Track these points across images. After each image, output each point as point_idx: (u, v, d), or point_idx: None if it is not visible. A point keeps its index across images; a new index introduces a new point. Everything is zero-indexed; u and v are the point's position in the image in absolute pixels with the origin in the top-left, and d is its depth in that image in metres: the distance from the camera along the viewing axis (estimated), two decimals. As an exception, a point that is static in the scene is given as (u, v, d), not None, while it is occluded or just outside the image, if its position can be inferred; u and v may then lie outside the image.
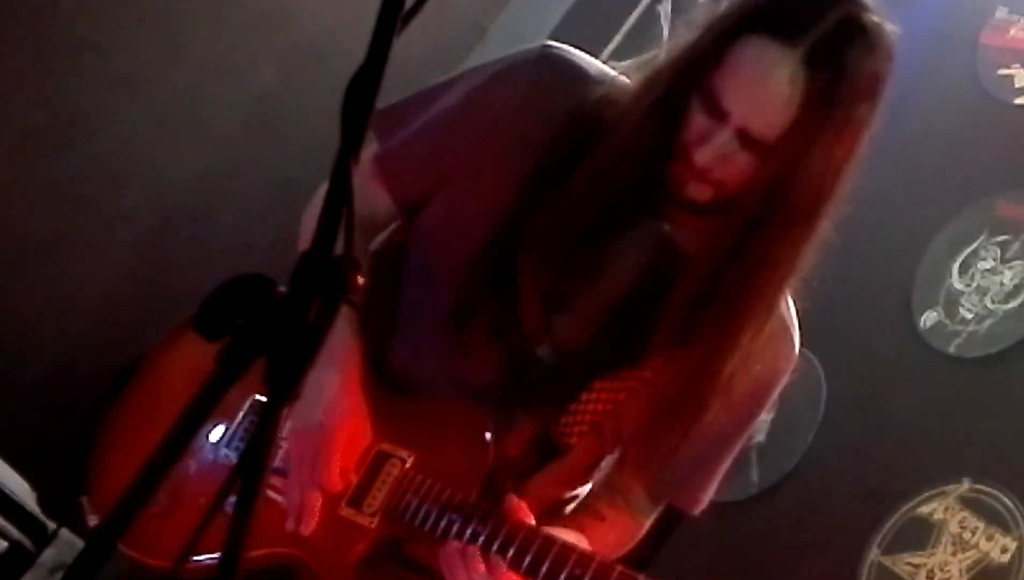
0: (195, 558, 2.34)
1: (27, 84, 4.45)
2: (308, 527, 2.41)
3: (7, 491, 4.12)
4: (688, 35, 2.38)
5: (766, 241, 2.36)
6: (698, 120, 2.29)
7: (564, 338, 2.48)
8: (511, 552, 2.35)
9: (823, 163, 2.32)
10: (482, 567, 2.34)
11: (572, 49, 2.59)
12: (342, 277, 1.39)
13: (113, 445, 2.68)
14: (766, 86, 2.25)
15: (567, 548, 2.34)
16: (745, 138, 2.26)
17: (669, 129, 2.32)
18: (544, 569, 2.33)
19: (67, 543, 4.10)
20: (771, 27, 2.24)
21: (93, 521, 2.75)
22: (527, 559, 2.35)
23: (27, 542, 4.09)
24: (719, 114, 2.27)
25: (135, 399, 2.71)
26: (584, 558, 2.32)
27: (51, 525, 4.13)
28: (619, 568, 2.31)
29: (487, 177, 2.51)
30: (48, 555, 4.11)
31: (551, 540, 2.35)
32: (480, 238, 2.46)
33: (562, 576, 2.31)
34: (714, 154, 2.29)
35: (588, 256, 2.44)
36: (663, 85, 2.35)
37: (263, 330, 1.40)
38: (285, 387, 1.39)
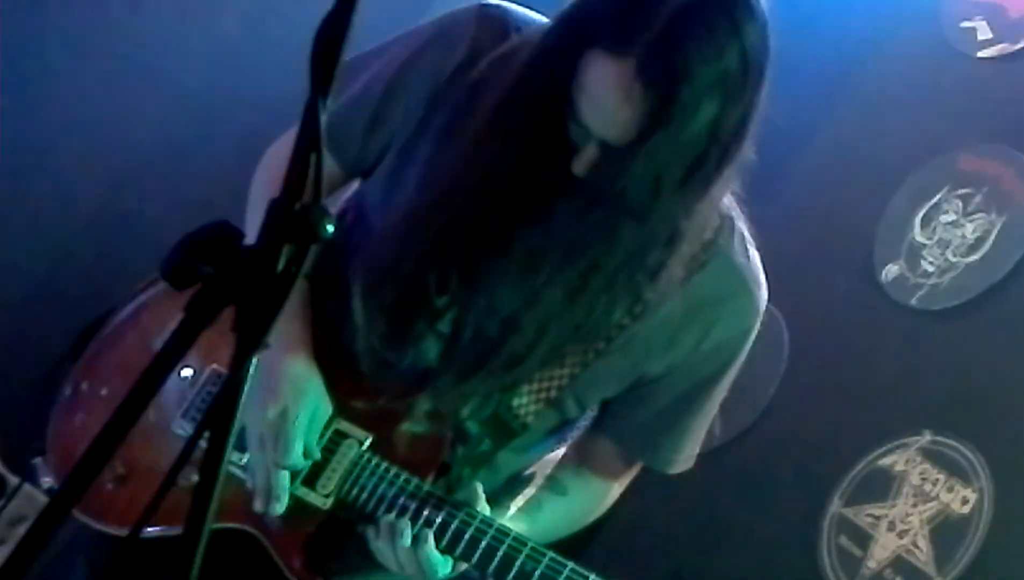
0: (149, 530, 2.38)
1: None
2: (280, 509, 2.42)
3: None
4: (542, 40, 2.36)
5: (635, 212, 2.33)
6: (572, 123, 2.29)
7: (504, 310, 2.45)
8: (449, 534, 2.39)
9: (677, 162, 2.27)
10: (407, 542, 2.37)
11: (513, 5, 2.57)
12: (312, 224, 1.39)
13: (70, 407, 2.67)
14: (609, 105, 2.24)
15: (518, 542, 2.38)
16: (607, 146, 2.26)
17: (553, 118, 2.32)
18: (491, 563, 2.38)
19: (28, 497, 4.10)
20: (604, 40, 2.21)
21: (47, 482, 2.75)
22: (474, 551, 2.39)
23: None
24: (582, 126, 2.27)
25: (95, 361, 2.69)
26: (536, 552, 2.37)
27: (13, 480, 4.13)
28: (570, 566, 2.35)
29: (424, 152, 2.50)
30: (10, 508, 4.11)
31: (502, 534, 2.39)
32: (419, 208, 2.46)
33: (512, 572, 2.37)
34: (585, 166, 2.30)
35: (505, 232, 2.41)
36: (526, 94, 2.35)
37: (232, 278, 1.39)
38: (254, 336, 1.38)
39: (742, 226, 2.50)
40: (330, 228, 1.40)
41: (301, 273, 1.40)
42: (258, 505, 2.42)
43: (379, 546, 2.40)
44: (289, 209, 1.40)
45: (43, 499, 4.06)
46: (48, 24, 4.52)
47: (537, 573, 2.37)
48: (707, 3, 2.21)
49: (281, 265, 1.39)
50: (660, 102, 2.19)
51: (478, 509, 2.40)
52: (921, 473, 4.25)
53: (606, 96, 2.23)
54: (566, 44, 2.28)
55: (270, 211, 1.41)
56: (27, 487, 4.09)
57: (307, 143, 1.44)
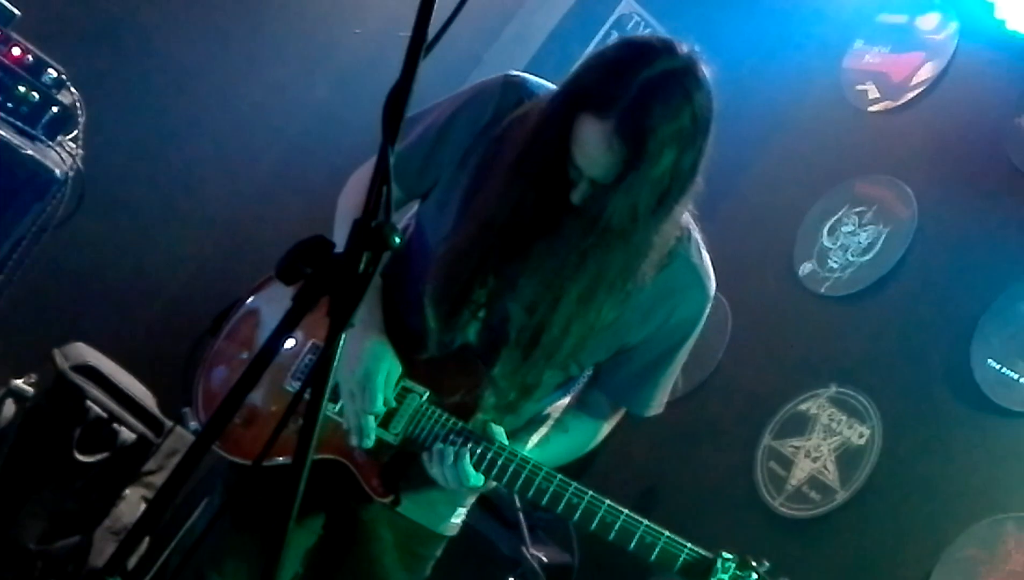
0: (267, 461, 2.38)
1: (144, 102, 4.42)
2: (368, 444, 2.42)
3: (136, 398, 4.13)
4: (552, 100, 2.36)
5: (618, 231, 2.33)
6: (571, 165, 2.29)
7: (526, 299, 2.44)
8: (486, 461, 2.39)
9: (650, 194, 2.27)
10: (451, 462, 2.38)
11: (529, 76, 2.54)
12: (384, 237, 1.40)
13: (210, 371, 2.66)
14: (596, 154, 2.24)
15: (542, 473, 2.39)
16: (595, 183, 2.26)
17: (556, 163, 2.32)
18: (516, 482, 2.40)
19: (179, 436, 4.10)
20: (590, 107, 2.22)
21: (193, 426, 2.75)
22: (504, 474, 2.40)
23: (150, 434, 4.10)
24: (577, 168, 2.28)
25: (227, 337, 2.69)
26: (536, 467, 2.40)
27: (168, 423, 4.13)
28: (574, 485, 2.37)
29: (459, 182, 2.48)
30: (166, 444, 4.11)
31: (524, 460, 2.40)
32: (458, 229, 2.44)
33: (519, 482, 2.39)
34: (580, 197, 2.30)
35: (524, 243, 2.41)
36: (543, 136, 2.34)
37: (326, 277, 1.41)
38: (343, 319, 1.40)
39: (697, 235, 2.48)
40: (397, 240, 1.41)
41: (376, 273, 1.41)
42: (353, 441, 2.42)
43: (432, 468, 2.40)
44: (367, 226, 1.41)
45: (190, 438, 4.06)
46: (189, 92, 4.51)
47: (550, 491, 2.37)
48: (666, 78, 2.21)
49: (362, 267, 1.40)
50: (633, 152, 2.20)
51: (503, 442, 2.41)
52: (829, 415, 4.25)
53: (593, 147, 2.24)
54: (564, 109, 2.27)
55: (354, 228, 1.42)
56: (178, 429, 4.09)
57: (380, 177, 1.45)
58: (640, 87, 2.20)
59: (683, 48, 2.26)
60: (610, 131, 2.20)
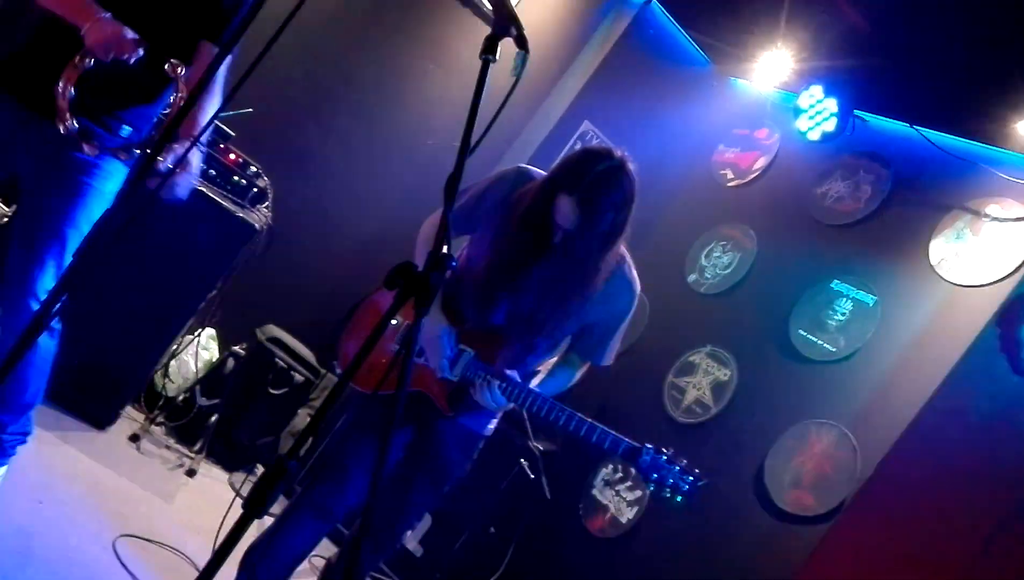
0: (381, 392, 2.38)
1: (306, 184, 4.42)
2: (444, 375, 2.42)
3: (303, 356, 4.13)
4: (539, 185, 2.36)
5: (582, 261, 2.34)
6: (553, 222, 2.30)
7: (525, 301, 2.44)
8: (507, 391, 2.38)
9: (600, 239, 2.30)
10: (487, 389, 2.38)
11: (532, 168, 2.53)
12: (445, 262, 1.40)
13: (347, 337, 2.65)
14: (566, 214, 2.26)
15: (540, 398, 2.38)
16: (567, 232, 2.28)
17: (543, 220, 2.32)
18: (527, 402, 2.38)
19: (329, 378, 4.11)
20: (563, 188, 2.25)
21: (338, 372, 2.75)
22: (513, 395, 2.39)
23: (312, 377, 4.11)
24: (556, 223, 2.29)
25: (357, 318, 2.67)
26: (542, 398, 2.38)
27: (322, 370, 4.14)
28: (579, 415, 2.36)
29: (489, 229, 2.47)
30: (322, 383, 4.13)
31: (531, 392, 2.39)
32: (485, 259, 2.44)
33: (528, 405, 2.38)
34: (558, 240, 2.32)
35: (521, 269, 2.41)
36: (534, 205, 2.34)
37: (412, 285, 1.41)
38: (423, 310, 1.40)
39: (629, 259, 2.48)
40: (454, 264, 1.41)
41: (441, 284, 1.42)
42: (439, 374, 2.42)
43: (476, 394, 2.40)
44: (436, 255, 1.41)
45: (334, 379, 4.08)
46: (334, 173, 4.51)
47: (545, 407, 2.37)
48: (607, 171, 2.25)
49: (433, 280, 1.40)
50: (588, 214, 2.23)
51: (518, 380, 2.41)
52: (706, 363, 4.24)
53: (565, 211, 2.25)
54: (548, 188, 2.30)
55: (428, 257, 1.42)
56: (328, 374, 4.11)
57: (443, 227, 1.45)
58: (592, 177, 2.24)
59: (618, 152, 2.29)
60: (575, 202, 2.22)
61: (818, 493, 3.57)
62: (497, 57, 1.63)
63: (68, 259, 2.41)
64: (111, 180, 2.44)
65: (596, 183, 2.21)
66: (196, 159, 2.39)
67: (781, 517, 3.64)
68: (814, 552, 3.38)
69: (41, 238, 2.38)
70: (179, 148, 2.27)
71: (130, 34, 2.20)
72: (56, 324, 2.43)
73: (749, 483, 3.79)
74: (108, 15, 2.20)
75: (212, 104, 2.40)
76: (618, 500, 4.15)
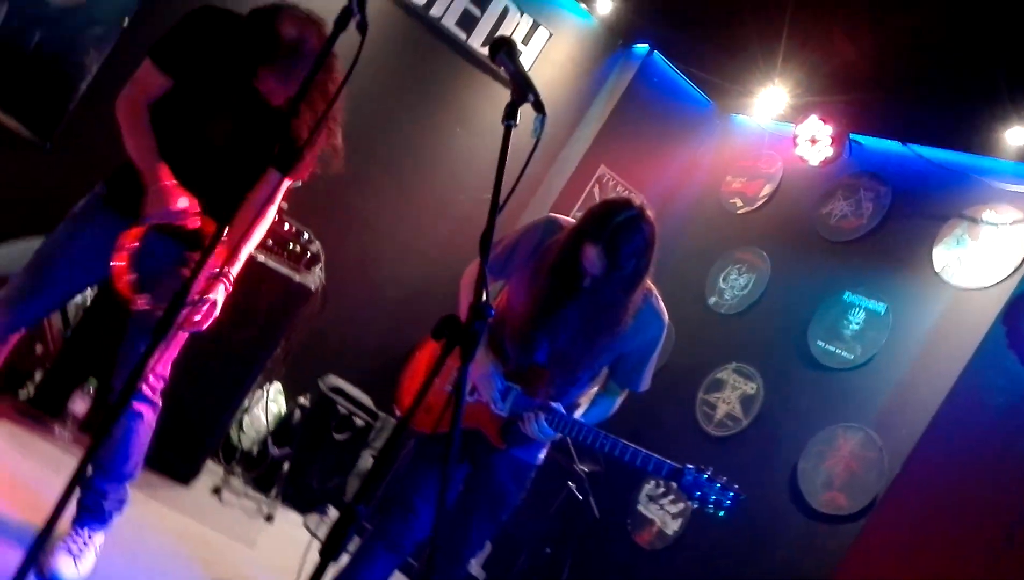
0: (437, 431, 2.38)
1: (352, 247, 4.48)
2: (501, 411, 2.43)
3: (362, 402, 4.17)
4: (567, 235, 2.38)
5: (610, 300, 2.36)
6: (581, 268, 2.32)
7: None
8: (554, 422, 2.40)
9: (625, 281, 2.32)
10: (535, 422, 2.39)
11: (560, 216, 2.56)
12: (484, 311, 1.42)
13: (404, 383, 2.67)
14: (593, 261, 2.28)
15: (585, 428, 2.41)
16: (595, 277, 2.30)
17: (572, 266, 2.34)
18: (574, 432, 2.41)
19: (386, 420, 4.13)
20: (589, 237, 2.27)
21: (398, 414, 2.76)
22: (559, 425, 2.41)
23: (371, 421, 4.13)
24: (584, 269, 2.31)
25: (411, 364, 2.70)
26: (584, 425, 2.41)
27: (380, 414, 4.17)
28: (622, 441, 2.38)
29: (524, 276, 2.49)
30: (379, 425, 4.14)
31: (575, 422, 2.41)
32: (523, 303, 2.46)
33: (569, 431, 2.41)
34: (588, 284, 2.34)
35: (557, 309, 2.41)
36: (563, 254, 2.36)
37: (457, 335, 1.43)
38: (469, 357, 1.42)
39: (654, 290, 2.49)
40: (492, 312, 1.43)
41: (483, 331, 1.44)
42: (494, 409, 2.44)
43: (525, 427, 2.42)
44: (476, 305, 1.43)
45: (393, 421, 4.10)
46: (376, 232, 4.56)
47: (590, 435, 2.39)
48: (629, 220, 2.27)
49: (475, 329, 1.42)
50: (613, 260, 2.25)
51: (562, 411, 2.41)
52: (733, 379, 4.21)
53: (592, 259, 2.28)
54: (576, 238, 2.33)
55: (469, 308, 1.44)
56: (386, 417, 4.13)
57: (480, 279, 1.47)
58: (614, 226, 2.26)
59: (637, 202, 2.32)
60: (600, 250, 2.24)
61: (850, 492, 3.51)
62: (518, 122, 1.67)
63: (174, 347, 2.45)
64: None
65: (618, 231, 2.24)
66: (221, 294, 2.34)
67: (817, 518, 3.59)
68: (851, 548, 3.32)
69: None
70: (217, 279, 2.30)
71: (181, 204, 2.21)
72: (157, 400, 2.48)
73: (784, 487, 3.74)
74: (170, 182, 2.22)
75: (263, 228, 2.45)
76: (663, 513, 4.11)
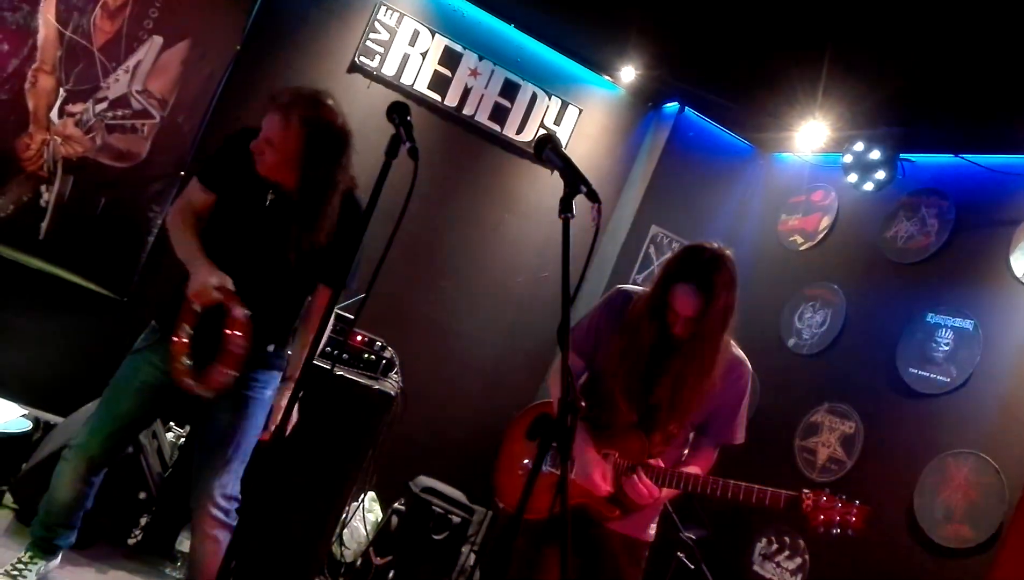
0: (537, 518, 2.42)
1: (422, 347, 4.55)
2: (609, 492, 2.49)
3: (455, 499, 4.18)
4: (653, 284, 2.47)
5: (704, 342, 2.40)
6: (671, 314, 2.38)
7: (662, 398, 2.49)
8: (661, 476, 2.43)
9: (718, 318, 2.36)
10: (648, 482, 2.41)
11: (631, 286, 2.64)
12: (575, 405, 1.46)
13: (499, 473, 2.71)
14: (689, 304, 2.34)
15: (689, 475, 2.45)
16: (688, 318, 2.34)
17: (662, 316, 2.41)
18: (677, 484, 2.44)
19: (481, 514, 4.11)
20: (681, 276, 2.36)
21: (500, 506, 2.77)
22: (663, 480, 2.43)
23: (467, 516, 4.13)
24: (677, 313, 2.36)
25: (503, 453, 2.74)
26: (695, 478, 2.45)
27: (477, 508, 4.16)
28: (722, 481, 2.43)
29: (611, 344, 2.54)
30: (475, 519, 4.13)
31: (681, 473, 2.45)
32: (615, 370, 2.50)
33: (679, 484, 2.44)
34: (683, 329, 2.39)
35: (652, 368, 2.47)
36: (652, 303, 2.43)
37: (552, 433, 1.46)
38: (566, 454, 1.45)
39: (731, 341, 2.54)
40: (583, 405, 1.47)
41: (575, 427, 1.47)
42: (602, 492, 2.49)
43: (631, 490, 2.45)
44: (565, 401, 1.47)
45: (490, 513, 4.07)
46: (441, 334, 4.63)
47: (700, 483, 2.44)
48: (715, 258, 2.37)
49: (568, 424, 1.45)
50: (707, 295, 2.34)
51: (660, 465, 2.47)
52: (829, 420, 4.12)
53: (685, 298, 2.36)
54: (664, 282, 2.42)
55: (560, 405, 1.48)
56: (480, 509, 4.11)
57: (565, 374, 1.51)
58: (703, 263, 2.35)
59: (715, 243, 2.42)
60: (693, 287, 2.30)
61: (973, 522, 3.37)
62: (574, 213, 1.74)
63: (242, 464, 2.57)
64: (269, 387, 2.61)
65: (708, 266, 2.34)
66: (285, 399, 2.58)
67: (943, 553, 3.44)
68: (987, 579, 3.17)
69: (219, 452, 2.55)
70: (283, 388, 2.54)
71: (215, 282, 2.39)
72: (231, 522, 2.62)
73: (902, 526, 3.61)
74: (209, 263, 2.42)
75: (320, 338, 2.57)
76: (780, 571, 3.99)
